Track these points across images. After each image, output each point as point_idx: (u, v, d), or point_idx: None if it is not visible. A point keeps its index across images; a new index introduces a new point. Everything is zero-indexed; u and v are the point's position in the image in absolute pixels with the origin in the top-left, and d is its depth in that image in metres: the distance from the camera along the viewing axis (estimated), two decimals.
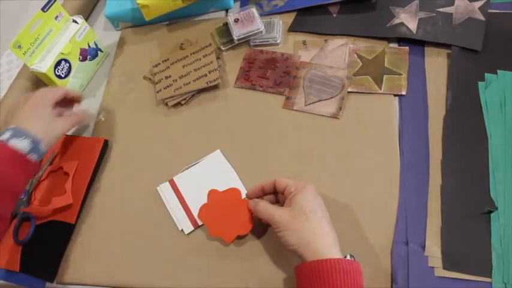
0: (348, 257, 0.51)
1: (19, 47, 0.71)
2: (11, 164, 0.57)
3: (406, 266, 0.56)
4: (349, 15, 0.79)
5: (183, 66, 0.78)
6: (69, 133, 0.77)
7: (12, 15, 0.98)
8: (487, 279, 0.53)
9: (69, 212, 0.67)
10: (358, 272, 0.49)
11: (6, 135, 0.58)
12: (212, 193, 0.63)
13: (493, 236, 0.56)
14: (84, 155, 0.72)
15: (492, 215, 0.57)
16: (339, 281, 0.47)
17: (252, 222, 0.59)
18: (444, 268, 0.55)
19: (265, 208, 0.56)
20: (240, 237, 0.61)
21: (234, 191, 0.62)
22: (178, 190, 0.66)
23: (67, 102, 0.71)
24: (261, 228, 0.61)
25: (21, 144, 0.58)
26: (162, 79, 0.78)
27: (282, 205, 0.56)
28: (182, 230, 0.63)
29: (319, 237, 0.51)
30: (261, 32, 0.78)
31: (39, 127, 0.61)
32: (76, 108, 0.74)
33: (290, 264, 0.58)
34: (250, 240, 0.61)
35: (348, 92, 0.71)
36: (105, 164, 0.73)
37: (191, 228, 0.63)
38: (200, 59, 0.78)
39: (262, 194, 0.60)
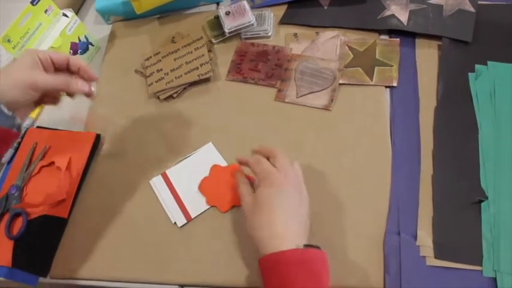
0: (302, 246, 0.49)
1: (8, 41, 0.70)
2: None
3: (398, 255, 0.56)
4: (340, 7, 0.79)
5: (175, 60, 0.78)
6: (61, 127, 0.76)
7: (1, 9, 0.96)
8: (478, 268, 0.54)
9: (62, 206, 0.67)
10: (315, 260, 0.48)
11: None
12: (215, 168, 0.66)
13: (483, 225, 0.56)
14: (76, 149, 0.72)
15: (482, 204, 0.58)
16: (287, 272, 0.46)
17: None
18: (436, 257, 0.55)
19: (241, 191, 0.56)
20: (236, 207, 0.63)
21: (235, 167, 0.64)
22: (170, 183, 0.66)
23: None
24: None
25: None
26: (153, 72, 0.78)
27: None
28: (175, 223, 0.63)
29: (274, 231, 0.50)
30: (252, 24, 0.78)
31: (5, 77, 0.51)
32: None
33: None
34: (243, 233, 0.61)
35: (340, 84, 0.71)
36: (97, 158, 0.72)
37: (184, 221, 0.63)
38: (192, 52, 0.78)
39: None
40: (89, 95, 0.57)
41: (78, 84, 0.56)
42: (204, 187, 0.65)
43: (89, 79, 0.57)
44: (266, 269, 0.48)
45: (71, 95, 0.58)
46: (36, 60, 0.53)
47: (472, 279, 0.54)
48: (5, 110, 0.50)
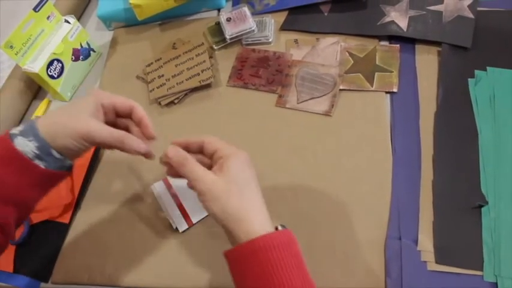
0: (280, 228, 0.46)
1: (11, 47, 0.71)
2: (9, 166, 0.45)
3: (399, 260, 0.56)
4: (340, 13, 0.79)
5: (176, 66, 0.79)
6: None
7: (3, 15, 0.97)
8: (479, 273, 0.54)
9: (63, 212, 0.67)
10: (293, 241, 0.45)
11: (17, 129, 0.47)
12: None
13: (484, 230, 0.56)
14: None
15: (483, 209, 0.58)
16: (276, 256, 0.42)
17: None
18: (437, 262, 0.55)
19: (194, 167, 0.48)
20: None
21: None
22: (172, 188, 0.66)
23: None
24: None
25: (26, 147, 0.46)
26: (154, 78, 0.78)
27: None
28: (176, 228, 0.64)
29: (252, 214, 0.46)
30: (253, 31, 0.78)
31: (60, 121, 0.47)
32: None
33: None
34: None
35: (340, 90, 0.71)
36: (98, 164, 0.73)
37: (185, 226, 0.63)
38: (193, 58, 0.78)
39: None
40: (147, 156, 0.53)
41: (134, 144, 0.51)
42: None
43: (147, 137, 0.53)
44: (243, 258, 0.44)
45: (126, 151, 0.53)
46: (98, 108, 0.50)
47: (472, 284, 0.54)
48: (56, 154, 0.47)
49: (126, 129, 0.54)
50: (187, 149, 0.52)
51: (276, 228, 0.46)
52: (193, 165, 0.48)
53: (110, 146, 0.51)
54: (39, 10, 0.73)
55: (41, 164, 0.46)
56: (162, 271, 0.61)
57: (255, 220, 0.45)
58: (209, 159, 0.51)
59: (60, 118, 0.48)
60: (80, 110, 0.49)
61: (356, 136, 0.67)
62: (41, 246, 0.66)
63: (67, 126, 0.47)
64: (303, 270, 0.44)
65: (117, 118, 0.54)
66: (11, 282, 0.63)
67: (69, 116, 0.48)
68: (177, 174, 0.51)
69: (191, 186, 0.49)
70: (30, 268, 0.64)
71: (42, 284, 0.64)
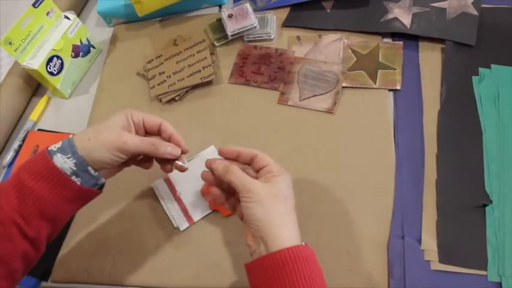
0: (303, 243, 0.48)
1: (10, 43, 0.70)
2: (47, 182, 0.47)
3: (402, 260, 0.56)
4: (343, 10, 0.79)
5: (177, 62, 0.78)
6: (63, 130, 0.76)
7: (2, 11, 0.96)
8: (483, 272, 0.54)
9: None
10: (315, 255, 0.47)
11: (55, 146, 0.49)
12: None
13: (488, 229, 0.56)
14: None
15: (487, 208, 0.57)
16: (305, 268, 0.44)
17: None
18: (440, 261, 0.55)
19: (240, 172, 0.50)
20: None
21: None
22: (173, 186, 0.66)
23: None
24: None
25: (64, 164, 0.48)
26: (155, 75, 0.78)
27: None
28: (177, 227, 0.63)
29: (287, 223, 0.47)
30: (255, 27, 0.78)
31: (96, 137, 0.49)
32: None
33: None
34: None
35: (343, 87, 0.70)
36: None
37: (186, 225, 0.63)
38: (194, 55, 0.78)
39: (234, 160, 0.54)
40: (180, 169, 0.55)
41: (168, 148, 0.53)
42: (206, 191, 0.64)
43: (182, 151, 0.55)
44: (271, 267, 0.45)
45: (162, 163, 0.56)
46: (129, 123, 0.53)
47: (476, 284, 0.53)
48: (92, 171, 0.49)
49: None
50: (238, 158, 0.54)
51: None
52: (239, 171, 0.50)
53: (144, 154, 0.54)
54: (38, 6, 0.72)
55: (78, 181, 0.48)
56: (163, 270, 0.61)
57: (289, 230, 0.47)
58: (255, 172, 0.52)
59: (96, 134, 0.50)
60: (112, 124, 0.52)
61: (359, 134, 0.66)
62: None
63: (102, 140, 0.49)
64: (325, 283, 0.46)
65: (146, 134, 0.55)
66: None
67: (104, 131, 0.50)
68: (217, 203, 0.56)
69: (238, 189, 0.49)
70: None
71: (43, 283, 0.63)
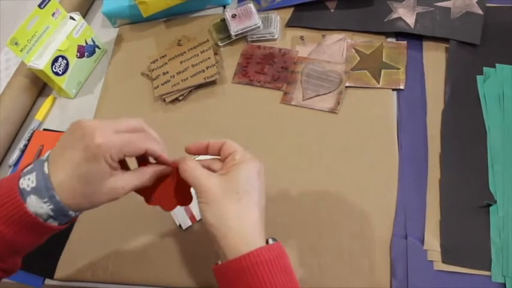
0: (271, 241, 0.44)
1: (16, 44, 0.71)
2: (19, 227, 0.40)
3: (405, 259, 0.55)
4: (347, 10, 0.79)
5: (181, 62, 0.78)
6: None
7: (10, 12, 0.97)
8: (487, 273, 0.53)
9: None
10: (282, 255, 0.43)
11: (28, 182, 0.40)
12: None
13: (492, 229, 0.56)
14: None
15: (491, 208, 0.57)
16: (264, 271, 0.40)
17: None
18: (443, 262, 0.55)
19: (194, 169, 0.45)
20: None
21: None
22: None
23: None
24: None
25: (40, 209, 0.40)
26: (159, 75, 0.78)
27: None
28: (180, 225, 0.63)
29: (244, 225, 0.43)
30: (259, 27, 0.78)
31: (77, 189, 0.41)
32: None
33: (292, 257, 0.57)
34: None
35: (346, 87, 0.70)
36: None
37: (189, 223, 0.63)
38: (198, 55, 0.78)
39: (204, 153, 0.50)
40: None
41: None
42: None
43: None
44: (231, 274, 0.41)
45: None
46: (111, 165, 0.43)
47: (480, 285, 0.53)
48: (73, 214, 0.43)
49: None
50: (207, 150, 0.49)
51: (267, 242, 0.44)
52: (194, 165, 0.46)
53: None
54: (44, 7, 0.73)
55: (54, 223, 0.42)
56: (165, 268, 0.61)
57: (245, 232, 0.43)
58: (222, 161, 0.48)
59: (81, 188, 0.41)
60: (95, 181, 0.42)
61: (362, 133, 0.66)
62: (45, 243, 0.65)
63: (91, 201, 0.43)
64: (294, 284, 0.42)
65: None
66: (16, 279, 0.64)
67: (90, 193, 0.42)
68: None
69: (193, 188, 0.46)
70: (34, 264, 0.64)
71: (47, 280, 0.64)
